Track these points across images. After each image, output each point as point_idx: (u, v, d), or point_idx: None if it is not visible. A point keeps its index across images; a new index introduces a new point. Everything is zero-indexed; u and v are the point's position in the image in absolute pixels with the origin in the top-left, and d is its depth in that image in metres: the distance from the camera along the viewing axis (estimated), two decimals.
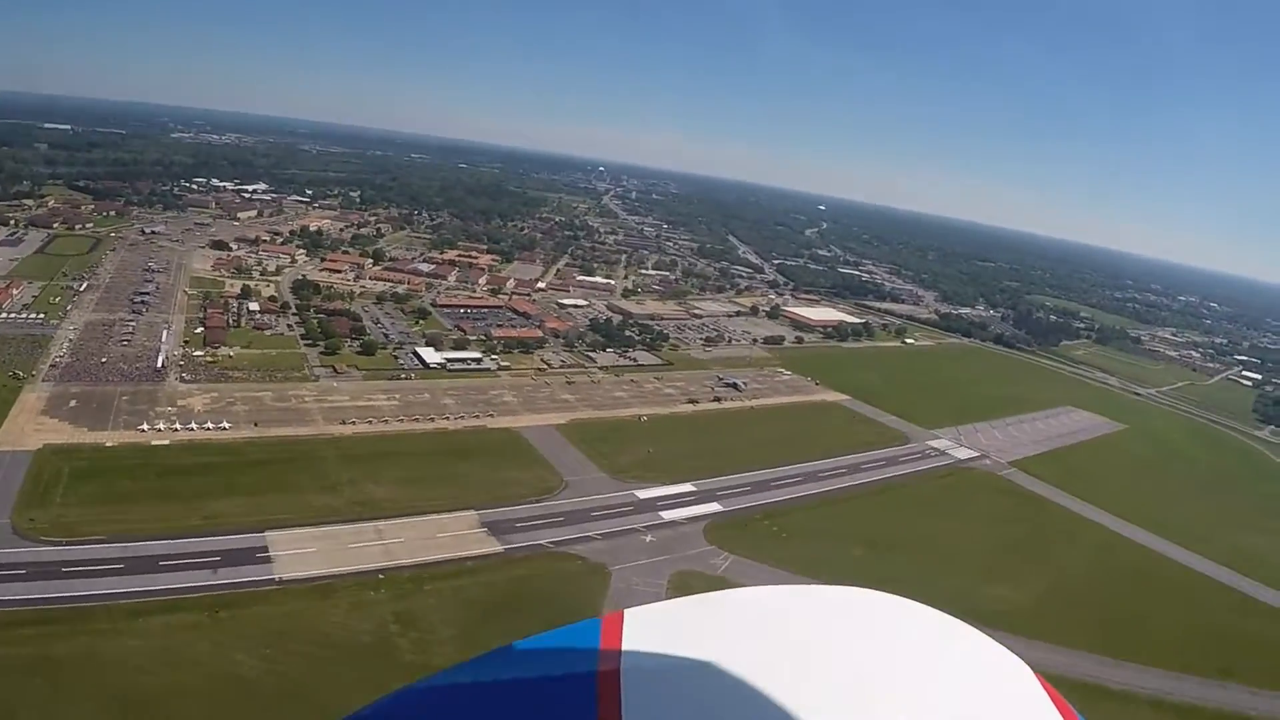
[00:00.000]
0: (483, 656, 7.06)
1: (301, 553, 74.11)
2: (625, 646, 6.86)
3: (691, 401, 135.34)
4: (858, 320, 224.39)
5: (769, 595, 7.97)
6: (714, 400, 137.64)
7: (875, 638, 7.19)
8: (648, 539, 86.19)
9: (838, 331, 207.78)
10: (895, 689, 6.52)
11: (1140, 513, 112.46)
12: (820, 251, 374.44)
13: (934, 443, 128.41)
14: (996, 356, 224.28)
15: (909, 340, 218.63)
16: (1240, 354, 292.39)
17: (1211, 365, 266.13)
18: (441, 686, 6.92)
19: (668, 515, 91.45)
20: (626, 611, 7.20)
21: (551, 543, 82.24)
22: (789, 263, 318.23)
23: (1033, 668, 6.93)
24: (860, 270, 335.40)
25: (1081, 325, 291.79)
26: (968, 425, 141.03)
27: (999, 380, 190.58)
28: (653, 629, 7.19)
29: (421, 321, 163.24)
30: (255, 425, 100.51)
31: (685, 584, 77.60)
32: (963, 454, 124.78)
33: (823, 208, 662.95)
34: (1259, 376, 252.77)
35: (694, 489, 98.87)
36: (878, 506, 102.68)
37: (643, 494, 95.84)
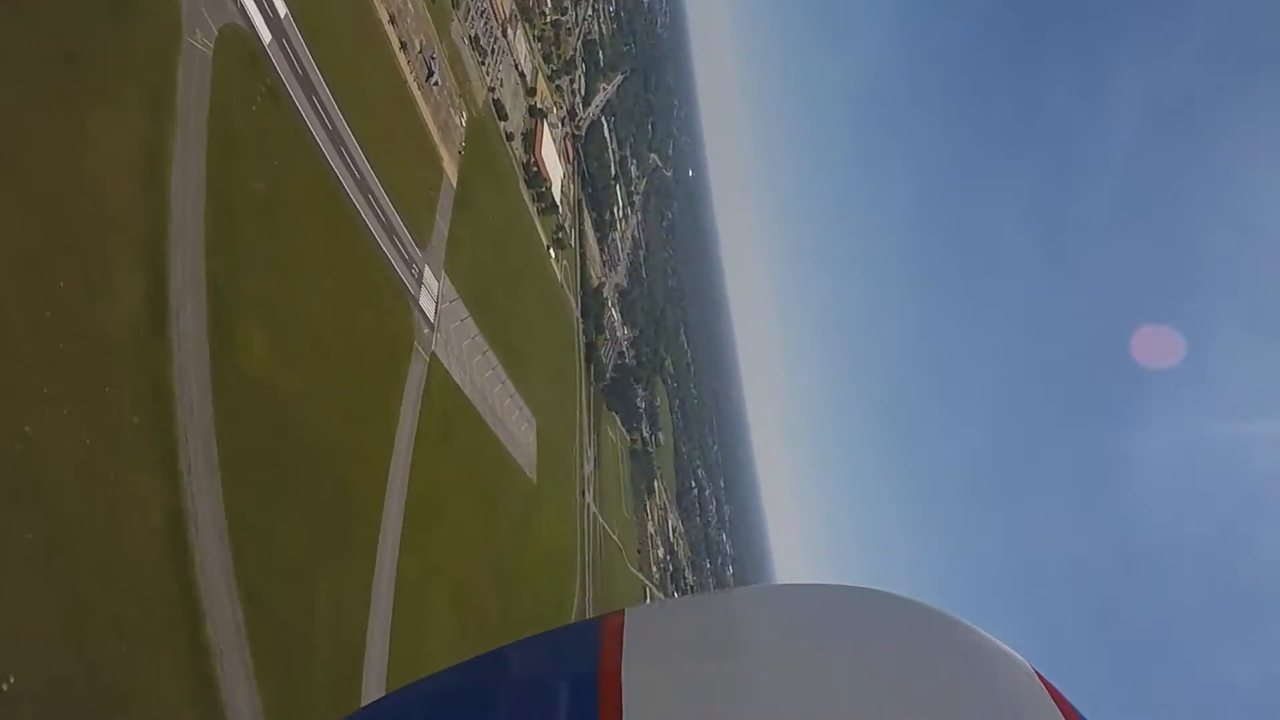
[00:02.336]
0: (483, 656, 7.80)
1: None
2: (626, 646, 7.03)
3: (392, 22, 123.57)
4: (558, 196, 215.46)
5: (770, 594, 8.36)
6: (399, 47, 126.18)
7: (876, 637, 7.18)
8: (200, 42, 75.83)
9: (535, 179, 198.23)
10: (896, 689, 6.54)
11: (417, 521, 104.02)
12: (632, 167, 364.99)
13: (427, 272, 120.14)
14: (561, 344, 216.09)
15: (552, 254, 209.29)
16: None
17: (654, 571, 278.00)
18: (443, 687, 7.66)
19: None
20: (627, 611, 7.63)
21: None
22: (605, 132, 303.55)
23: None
24: (624, 208, 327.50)
25: (646, 439, 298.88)
26: (469, 318, 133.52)
27: (540, 347, 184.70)
28: (653, 628, 7.52)
29: None
30: None
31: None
32: (427, 304, 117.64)
33: (690, 173, 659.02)
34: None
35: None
36: (325, 223, 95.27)
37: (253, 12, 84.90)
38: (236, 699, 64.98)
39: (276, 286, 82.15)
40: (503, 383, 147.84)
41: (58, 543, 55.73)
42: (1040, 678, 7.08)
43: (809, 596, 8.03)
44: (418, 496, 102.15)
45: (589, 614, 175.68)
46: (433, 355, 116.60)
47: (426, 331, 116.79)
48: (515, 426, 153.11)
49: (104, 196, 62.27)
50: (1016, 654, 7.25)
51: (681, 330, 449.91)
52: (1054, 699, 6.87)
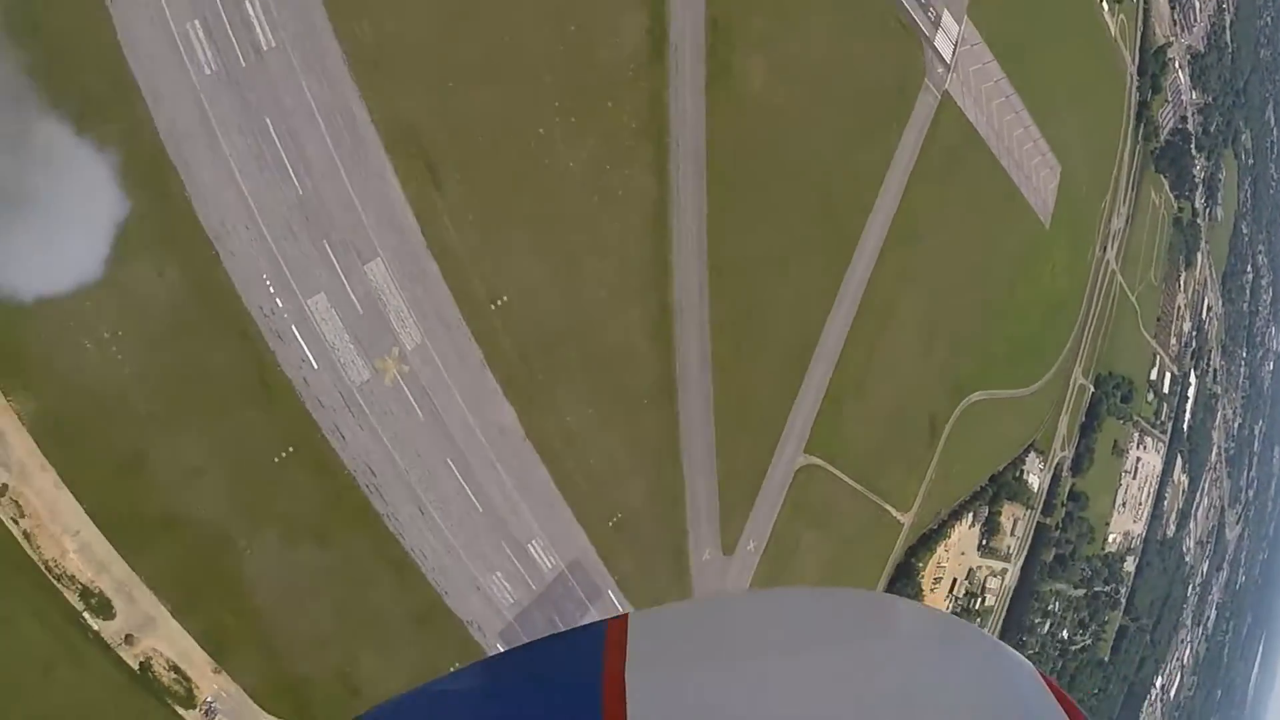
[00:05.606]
0: (486, 660, 7.27)
1: None
2: (630, 650, 6.37)
3: None
4: None
5: (772, 599, 7.63)
6: None
7: (879, 640, 6.57)
8: None
9: None
10: (899, 692, 6.00)
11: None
12: None
13: (946, 15, 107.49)
14: (1106, 99, 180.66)
15: (1105, 6, 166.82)
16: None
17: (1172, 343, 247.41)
18: (445, 691, 6.82)
19: None
20: (631, 615, 6.83)
21: None
22: None
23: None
24: None
25: (1198, 210, 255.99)
26: (992, 61, 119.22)
27: (1077, 98, 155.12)
28: (658, 633, 6.84)
29: None
30: None
31: None
32: (943, 46, 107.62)
33: None
34: None
35: None
36: None
37: None
38: (688, 347, 70.65)
39: (776, 27, 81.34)
40: (1025, 127, 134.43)
41: (558, 213, 63.80)
42: (1045, 678, 6.60)
43: (812, 600, 7.63)
44: (906, 216, 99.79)
45: (1079, 362, 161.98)
46: (945, 94, 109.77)
47: (940, 71, 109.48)
48: (1033, 171, 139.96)
49: None
50: (1020, 655, 6.81)
51: (1270, 107, 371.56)
52: (1059, 700, 6.41)
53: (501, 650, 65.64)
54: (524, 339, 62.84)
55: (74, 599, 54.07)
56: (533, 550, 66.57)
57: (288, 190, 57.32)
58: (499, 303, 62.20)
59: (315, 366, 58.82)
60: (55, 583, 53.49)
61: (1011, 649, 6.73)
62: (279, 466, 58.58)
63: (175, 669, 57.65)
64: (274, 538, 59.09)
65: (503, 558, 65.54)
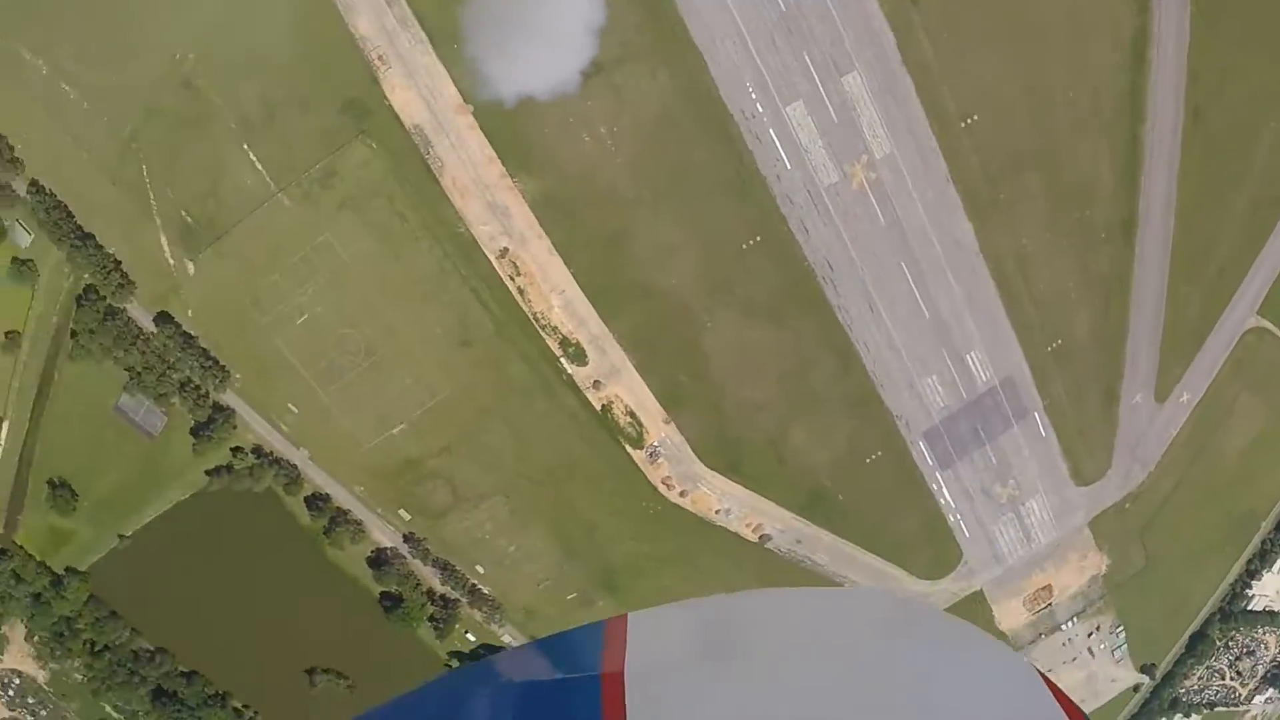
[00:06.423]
0: (491, 658, 10.05)
1: None
2: (629, 649, 6.33)
3: None
4: None
5: (771, 598, 7.36)
6: None
7: (877, 638, 6.59)
8: None
9: None
10: (898, 689, 5.94)
11: None
12: None
13: None
14: None
15: None
16: None
17: None
18: (450, 689, 7.03)
19: None
20: (630, 615, 6.74)
21: None
22: None
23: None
24: None
25: None
26: None
27: None
28: (656, 632, 6.71)
29: None
30: None
31: None
32: None
33: None
34: None
35: None
36: None
37: None
38: (1154, 187, 65.26)
39: None
40: None
41: (1033, 38, 60.32)
42: (1044, 677, 6.39)
43: (810, 599, 7.37)
44: None
45: None
46: None
47: None
48: None
49: None
50: (1019, 654, 6.84)
51: None
52: (1058, 700, 6.17)
53: (921, 444, 67.11)
54: (990, 159, 61.54)
55: (554, 346, 63.13)
56: (970, 360, 66.54)
57: (771, 9, 58.73)
58: (969, 121, 60.72)
59: (788, 166, 61.15)
60: (540, 331, 62.75)
61: (1013, 650, 6.62)
62: (745, 252, 62.68)
63: (631, 414, 65.48)
64: (733, 314, 64.02)
65: (940, 363, 66.26)
